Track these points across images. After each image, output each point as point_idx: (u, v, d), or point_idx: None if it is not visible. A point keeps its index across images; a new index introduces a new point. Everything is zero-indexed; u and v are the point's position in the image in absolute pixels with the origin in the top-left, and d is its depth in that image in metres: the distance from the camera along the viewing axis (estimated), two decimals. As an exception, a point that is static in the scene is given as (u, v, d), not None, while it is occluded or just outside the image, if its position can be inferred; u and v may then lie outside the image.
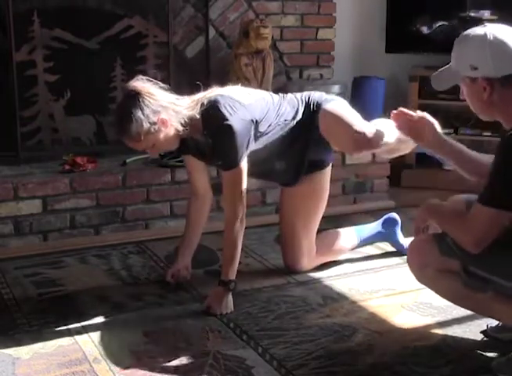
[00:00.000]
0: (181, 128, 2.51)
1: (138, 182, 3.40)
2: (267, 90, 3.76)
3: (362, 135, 2.65)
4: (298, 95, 2.82)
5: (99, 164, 3.47)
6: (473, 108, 2.13)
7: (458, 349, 2.30)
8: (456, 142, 2.41)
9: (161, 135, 2.49)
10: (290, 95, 2.82)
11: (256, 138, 2.61)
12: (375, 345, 2.34)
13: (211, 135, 2.53)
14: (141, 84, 2.50)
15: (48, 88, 3.69)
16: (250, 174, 2.72)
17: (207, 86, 2.68)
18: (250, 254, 3.17)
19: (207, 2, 3.88)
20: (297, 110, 2.75)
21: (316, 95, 2.81)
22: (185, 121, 2.51)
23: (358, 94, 4.26)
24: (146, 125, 2.43)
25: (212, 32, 3.94)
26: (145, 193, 3.41)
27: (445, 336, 2.40)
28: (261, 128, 2.63)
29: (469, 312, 2.55)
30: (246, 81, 3.74)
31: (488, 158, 2.34)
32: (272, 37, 3.86)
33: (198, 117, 2.53)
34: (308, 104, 2.77)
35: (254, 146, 2.60)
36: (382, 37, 4.41)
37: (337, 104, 2.77)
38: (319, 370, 2.18)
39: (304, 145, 2.75)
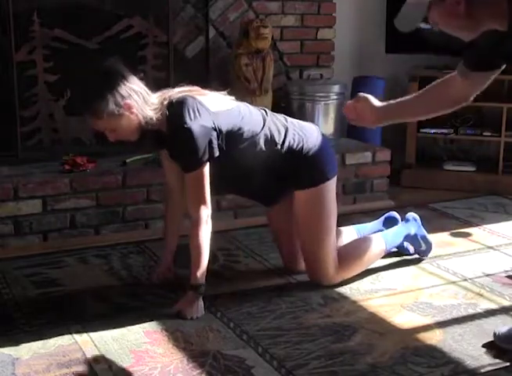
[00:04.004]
0: (143, 122, 2.50)
1: (138, 182, 3.40)
2: (267, 91, 3.79)
3: (325, 276, 2.76)
4: (290, 126, 2.71)
5: (99, 164, 3.47)
6: (456, 31, 1.97)
7: (458, 349, 2.30)
8: (396, 101, 2.40)
9: (124, 121, 2.47)
10: (279, 121, 2.71)
11: (222, 150, 2.54)
12: (375, 345, 2.34)
13: (172, 135, 2.52)
14: (118, 65, 2.50)
15: (48, 88, 3.68)
16: (228, 191, 2.72)
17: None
18: (250, 254, 3.17)
19: (207, 2, 3.88)
20: (281, 144, 2.66)
21: (310, 143, 2.69)
22: (148, 118, 2.50)
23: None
24: (111, 105, 2.43)
25: (212, 32, 3.94)
26: (145, 193, 3.41)
27: (445, 336, 2.40)
28: (229, 144, 2.56)
29: (469, 312, 2.56)
30: (246, 81, 3.75)
31: (429, 89, 2.33)
32: (272, 37, 3.86)
33: (162, 115, 2.51)
34: (297, 147, 2.67)
35: (224, 162, 2.54)
36: (382, 37, 4.41)
37: (328, 189, 2.72)
38: (319, 370, 2.18)
39: (280, 177, 2.73)
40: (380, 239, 2.95)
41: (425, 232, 3.09)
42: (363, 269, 2.90)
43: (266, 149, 2.64)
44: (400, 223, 3.10)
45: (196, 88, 2.62)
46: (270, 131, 2.66)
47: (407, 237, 3.05)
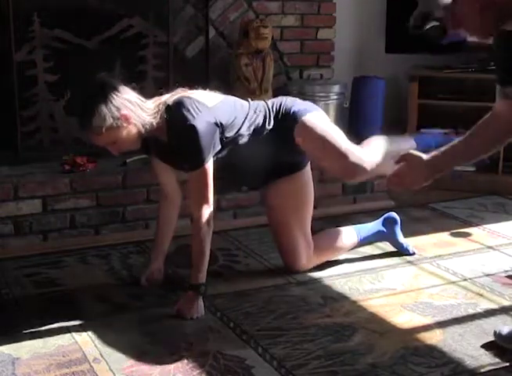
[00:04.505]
0: (143, 129, 2.52)
1: (138, 182, 3.40)
2: (267, 90, 3.80)
3: (355, 165, 2.69)
4: (270, 102, 2.81)
5: (99, 164, 3.47)
6: (472, 31, 1.99)
7: (458, 349, 2.30)
8: (448, 149, 2.14)
9: (123, 132, 2.49)
10: (260, 102, 2.81)
11: (222, 142, 2.59)
12: (375, 345, 2.34)
13: (175, 136, 2.53)
14: (109, 78, 2.52)
15: (48, 88, 3.68)
16: (226, 180, 2.77)
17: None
18: (250, 254, 3.17)
19: (207, 2, 3.88)
20: (268, 118, 2.73)
21: (289, 103, 2.79)
22: (147, 124, 2.51)
23: (358, 94, 4.26)
24: (108, 119, 2.44)
25: (212, 32, 3.93)
26: (145, 193, 3.41)
27: (445, 336, 2.40)
28: (228, 134, 2.62)
29: (469, 312, 2.56)
30: (246, 81, 3.75)
31: (479, 126, 2.15)
32: (272, 37, 3.86)
33: (161, 120, 2.53)
34: (279, 112, 2.75)
35: (222, 151, 2.59)
36: (382, 38, 4.41)
37: (314, 117, 2.75)
38: (319, 370, 2.18)
39: (278, 153, 2.74)
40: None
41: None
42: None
43: (258, 122, 2.70)
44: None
45: (184, 89, 2.64)
46: (256, 107, 2.74)
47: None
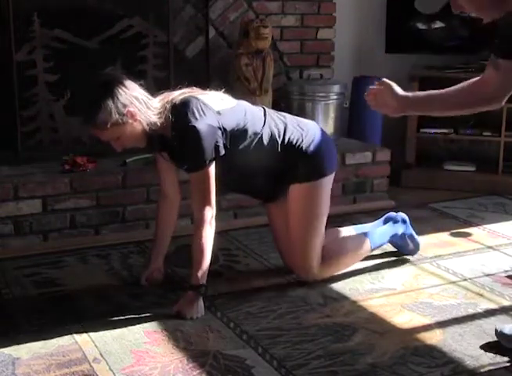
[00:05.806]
0: (147, 128, 2.51)
1: (138, 182, 3.40)
2: (267, 90, 3.79)
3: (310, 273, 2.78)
4: (288, 131, 2.70)
5: (99, 164, 3.47)
6: (481, 9, 1.99)
7: (458, 349, 2.30)
8: (426, 93, 2.26)
9: (128, 129, 2.48)
10: (278, 125, 2.70)
11: (226, 148, 2.56)
12: (375, 345, 2.34)
13: (178, 136, 2.52)
14: (117, 74, 2.52)
15: (48, 88, 3.68)
16: (229, 188, 2.78)
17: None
18: (250, 254, 3.17)
19: (207, 2, 3.88)
20: (276, 141, 2.67)
21: (305, 144, 2.70)
22: (152, 123, 2.50)
23: (358, 94, 4.26)
24: (114, 115, 2.43)
25: (212, 32, 3.93)
26: (145, 193, 3.41)
27: (445, 336, 2.40)
28: (233, 143, 2.58)
29: (469, 312, 2.56)
30: (246, 81, 3.75)
31: (463, 84, 2.20)
32: (272, 37, 3.86)
33: (165, 120, 2.51)
34: (293, 145, 2.69)
35: (227, 158, 2.55)
36: (382, 38, 4.41)
37: (317, 189, 2.72)
38: (318, 370, 2.18)
39: (276, 174, 2.74)
40: (366, 239, 2.94)
41: (413, 231, 3.08)
42: (346, 269, 2.92)
43: (267, 145, 2.66)
44: (388, 224, 3.07)
45: (195, 89, 2.62)
46: (270, 128, 2.68)
47: (394, 237, 3.04)
